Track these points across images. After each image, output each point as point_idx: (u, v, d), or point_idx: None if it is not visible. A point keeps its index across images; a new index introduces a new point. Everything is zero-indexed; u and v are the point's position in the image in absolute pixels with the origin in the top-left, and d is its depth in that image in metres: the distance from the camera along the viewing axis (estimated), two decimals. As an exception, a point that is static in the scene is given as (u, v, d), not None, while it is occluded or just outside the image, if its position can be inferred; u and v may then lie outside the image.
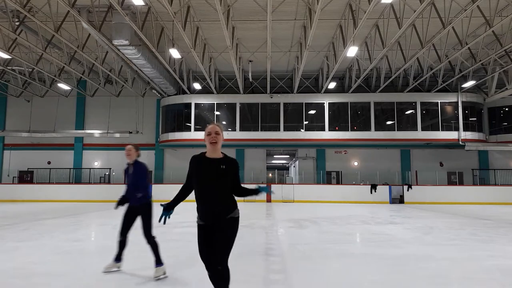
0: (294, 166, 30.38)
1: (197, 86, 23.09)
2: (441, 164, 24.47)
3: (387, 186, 21.21)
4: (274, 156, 32.49)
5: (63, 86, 22.28)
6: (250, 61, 20.22)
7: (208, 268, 3.03)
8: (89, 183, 23.88)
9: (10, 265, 5.25)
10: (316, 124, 23.52)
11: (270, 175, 30.94)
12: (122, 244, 4.82)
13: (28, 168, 24.90)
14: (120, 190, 5.18)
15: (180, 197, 3.23)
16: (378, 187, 21.05)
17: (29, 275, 4.74)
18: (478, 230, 9.59)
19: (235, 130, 23.07)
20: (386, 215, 13.79)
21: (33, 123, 24.77)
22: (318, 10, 11.52)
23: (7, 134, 24.57)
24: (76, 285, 4.36)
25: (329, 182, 24.29)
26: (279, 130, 23.28)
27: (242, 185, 3.23)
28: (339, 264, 5.65)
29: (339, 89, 23.76)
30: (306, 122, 23.63)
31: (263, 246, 6.96)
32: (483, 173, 24.15)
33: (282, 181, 27.45)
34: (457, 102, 22.85)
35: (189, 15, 14.16)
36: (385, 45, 15.23)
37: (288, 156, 32.66)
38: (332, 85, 21.88)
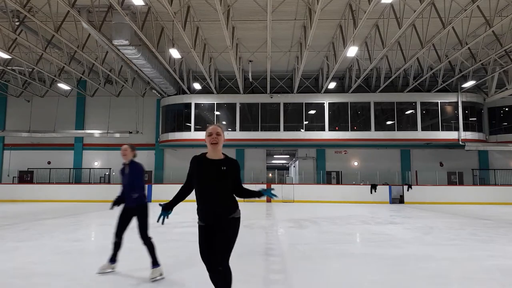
0: (294, 166, 30.38)
1: (197, 86, 23.09)
2: (441, 164, 24.47)
3: (387, 186, 21.21)
4: (274, 156, 32.49)
5: (63, 86, 22.28)
6: (250, 61, 20.22)
7: (209, 269, 3.01)
8: (89, 183, 23.88)
9: (10, 265, 5.25)
10: (316, 124, 23.52)
11: (270, 175, 30.95)
12: (117, 245, 4.79)
13: (28, 168, 24.90)
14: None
15: (180, 197, 3.21)
16: (378, 187, 21.06)
17: (29, 275, 4.74)
18: (478, 230, 9.59)
19: (235, 130, 23.07)
20: (386, 215, 13.79)
21: (33, 123, 24.77)
22: (318, 10, 11.52)
23: (7, 134, 24.57)
24: (76, 285, 4.36)
25: (329, 182, 24.29)
26: (279, 130, 23.28)
27: (243, 185, 3.22)
28: (339, 264, 5.65)
29: (339, 89, 23.76)
30: (306, 122, 23.63)
31: (263, 246, 6.96)
32: (483, 173, 24.15)
33: (282, 181, 27.45)
34: (457, 102, 22.85)
35: (189, 15, 14.16)
36: (385, 45, 15.23)
37: (288, 156, 32.66)
38: (332, 85, 21.88)
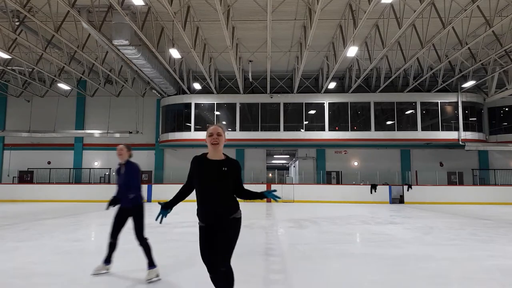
0: (294, 166, 30.38)
1: (197, 86, 23.10)
2: (441, 164, 24.47)
3: (387, 186, 21.21)
4: (274, 156, 32.49)
5: (63, 86, 22.28)
6: (250, 61, 20.22)
7: (209, 270, 3.00)
8: (89, 183, 23.88)
9: (10, 265, 5.25)
10: (316, 124, 23.52)
11: (270, 175, 30.94)
12: (113, 246, 4.74)
13: (28, 168, 24.90)
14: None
15: (180, 196, 3.19)
16: (378, 187, 21.06)
17: (29, 275, 4.75)
18: (478, 230, 9.59)
19: (235, 130, 23.07)
20: (386, 215, 13.79)
21: (33, 123, 24.77)
22: (318, 10, 11.52)
23: (7, 134, 24.57)
24: (76, 285, 4.36)
25: (329, 182, 24.28)
26: (279, 130, 23.28)
27: (244, 185, 3.20)
28: (339, 264, 5.65)
29: (339, 89, 23.76)
30: (306, 122, 23.63)
31: (263, 246, 6.96)
32: (483, 173, 24.15)
33: (282, 181, 27.44)
34: (457, 102, 22.85)
35: (189, 15, 14.16)
36: (385, 45, 15.23)
37: (288, 156, 32.66)
38: (332, 85, 21.88)
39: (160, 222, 3.15)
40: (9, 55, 16.33)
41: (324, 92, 23.04)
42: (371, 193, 20.89)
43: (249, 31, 16.86)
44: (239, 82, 21.49)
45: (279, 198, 3.15)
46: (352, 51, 15.53)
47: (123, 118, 24.92)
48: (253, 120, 23.77)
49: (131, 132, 24.14)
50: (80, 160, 25.24)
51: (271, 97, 23.38)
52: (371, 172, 23.48)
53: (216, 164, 3.03)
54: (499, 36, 15.76)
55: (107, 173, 24.71)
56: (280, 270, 5.21)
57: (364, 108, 23.44)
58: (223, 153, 3.12)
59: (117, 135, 23.76)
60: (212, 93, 23.27)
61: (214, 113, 23.79)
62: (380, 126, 23.16)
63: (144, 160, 24.43)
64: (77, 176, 24.72)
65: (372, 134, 23.02)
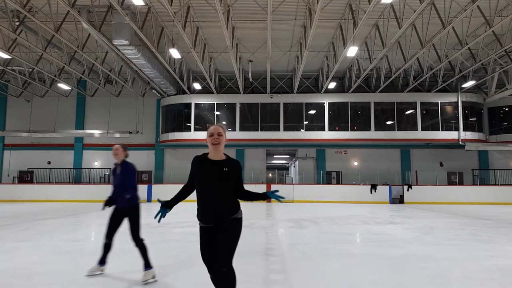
0: (294, 166, 30.38)
1: (197, 86, 23.10)
2: (441, 164, 24.47)
3: (387, 186, 21.21)
4: (274, 156, 32.49)
5: (63, 86, 22.28)
6: (250, 61, 20.22)
7: (210, 270, 2.98)
8: (89, 183, 23.88)
9: (10, 265, 5.25)
10: (316, 124, 23.52)
11: (270, 175, 30.95)
12: (107, 247, 4.70)
13: (28, 168, 24.90)
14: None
15: (180, 196, 3.17)
16: (378, 187, 21.05)
17: (29, 275, 4.75)
18: (478, 230, 9.59)
19: (235, 130, 23.08)
20: (386, 215, 13.79)
21: (33, 123, 24.77)
22: (318, 10, 11.52)
23: (7, 134, 24.57)
24: (76, 285, 4.35)
25: (329, 182, 24.28)
26: (279, 130, 23.28)
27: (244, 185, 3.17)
28: (339, 264, 5.65)
29: (339, 89, 23.76)
30: (306, 122, 23.63)
31: (263, 246, 6.96)
32: (483, 173, 24.15)
33: (282, 181, 27.45)
34: (457, 102, 22.85)
35: (189, 15, 14.16)
36: (385, 45, 15.23)
37: (288, 156, 32.66)
38: (332, 85, 21.88)
39: (159, 221, 3.11)
40: (9, 55, 16.33)
41: (324, 92, 23.04)
42: (371, 193, 20.89)
43: (249, 31, 16.86)
44: (239, 82, 21.49)
45: (282, 198, 3.11)
46: (352, 51, 15.52)
47: (123, 118, 24.92)
48: (253, 120, 23.77)
49: (131, 132, 24.14)
50: (80, 160, 25.24)
51: (271, 97, 23.38)
52: (371, 172, 23.48)
53: (217, 164, 3.01)
54: (499, 36, 15.76)
55: (107, 173, 24.70)
56: (280, 270, 5.21)
57: (364, 108, 23.44)
58: (224, 153, 3.09)
59: (117, 135, 23.76)
60: (212, 93, 23.27)
61: (214, 113, 23.79)
62: (380, 126, 23.16)
63: (144, 160, 24.44)
64: (77, 176, 24.72)
65: (372, 134, 23.02)
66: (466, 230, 9.59)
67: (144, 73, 19.52)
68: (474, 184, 23.55)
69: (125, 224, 4.63)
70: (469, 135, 22.36)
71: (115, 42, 14.71)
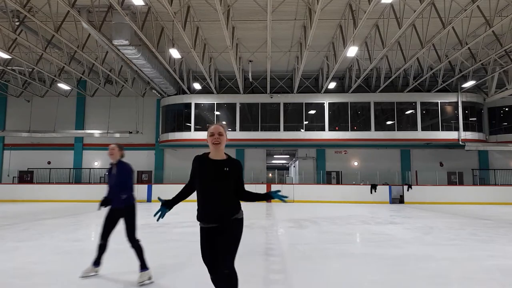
0: (294, 166, 30.37)
1: (197, 86, 23.10)
2: (441, 164, 24.47)
3: (387, 186, 21.21)
4: (274, 156, 32.49)
5: (63, 86, 22.28)
6: (250, 61, 20.22)
7: (211, 271, 2.96)
8: (89, 183, 23.88)
9: (10, 265, 5.25)
10: (316, 124, 23.52)
11: (270, 175, 30.95)
12: (103, 247, 4.65)
13: (28, 168, 24.90)
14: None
15: (181, 196, 3.15)
16: (378, 187, 21.05)
17: (29, 275, 4.74)
18: (478, 230, 9.59)
19: (235, 130, 23.07)
20: (386, 215, 13.79)
21: (33, 123, 24.77)
22: (318, 10, 11.52)
23: (7, 134, 24.57)
24: (76, 285, 4.35)
25: (329, 182, 24.28)
26: (279, 130, 23.28)
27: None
28: (339, 264, 5.65)
29: (339, 89, 23.76)
30: (306, 122, 23.63)
31: (263, 246, 6.96)
32: (483, 173, 24.15)
33: (282, 181, 27.46)
34: (457, 102, 22.85)
35: (189, 15, 14.16)
36: (385, 45, 15.23)
37: (288, 156, 32.66)
38: (332, 85, 21.88)
39: (158, 220, 3.09)
40: (9, 55, 16.33)
41: (324, 92, 23.04)
42: (371, 193, 20.89)
43: (249, 31, 16.86)
44: (239, 82, 21.49)
45: (286, 197, 3.08)
46: (352, 51, 15.53)
47: (123, 118, 24.92)
48: (253, 120, 23.77)
49: (131, 132, 24.14)
50: (80, 160, 25.24)
51: (271, 97, 23.38)
52: (371, 172, 23.48)
53: (218, 164, 2.98)
54: (499, 36, 15.76)
55: (107, 173, 24.67)
56: (280, 270, 5.21)
57: (364, 108, 23.44)
58: (225, 153, 3.07)
59: (117, 135, 23.76)
60: (212, 93, 23.27)
61: (214, 113, 23.79)
62: (380, 126, 23.16)
63: (144, 160, 24.44)
64: (77, 176, 24.72)
65: (372, 134, 23.02)
66: (466, 230, 9.59)
67: (144, 73, 19.52)
68: (474, 184, 23.55)
69: (121, 225, 4.59)
70: (469, 135, 22.36)
71: (115, 42, 14.71)
